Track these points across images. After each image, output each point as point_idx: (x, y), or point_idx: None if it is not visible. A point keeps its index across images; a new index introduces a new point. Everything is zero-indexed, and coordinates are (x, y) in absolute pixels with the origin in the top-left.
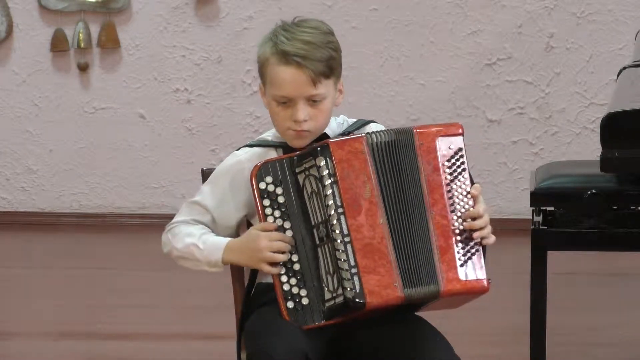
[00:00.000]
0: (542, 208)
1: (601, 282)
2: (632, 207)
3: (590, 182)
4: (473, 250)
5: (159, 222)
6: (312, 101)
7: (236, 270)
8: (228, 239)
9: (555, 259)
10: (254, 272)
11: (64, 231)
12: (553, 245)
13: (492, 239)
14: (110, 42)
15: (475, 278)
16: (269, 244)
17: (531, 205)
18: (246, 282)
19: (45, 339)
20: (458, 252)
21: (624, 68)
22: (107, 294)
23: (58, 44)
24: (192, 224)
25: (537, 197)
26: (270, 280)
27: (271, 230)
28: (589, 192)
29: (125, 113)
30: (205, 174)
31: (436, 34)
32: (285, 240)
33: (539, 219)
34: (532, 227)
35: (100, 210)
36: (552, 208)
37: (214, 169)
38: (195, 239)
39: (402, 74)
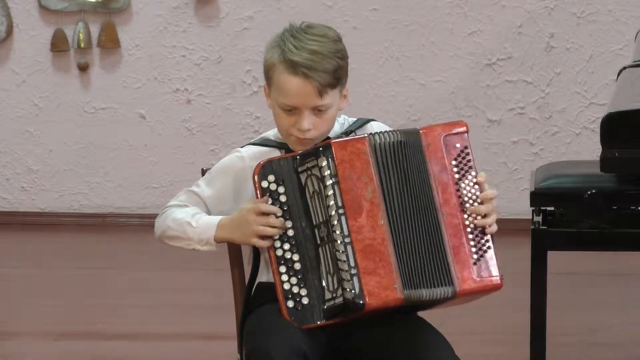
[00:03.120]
0: (542, 208)
1: (601, 282)
2: (632, 207)
3: (590, 182)
4: (485, 248)
5: None
6: (318, 110)
7: (236, 270)
8: (220, 217)
9: (555, 259)
10: (254, 272)
11: (64, 231)
12: (553, 245)
13: (494, 227)
14: (110, 42)
15: (488, 276)
16: (258, 217)
17: (531, 205)
18: (246, 281)
19: (45, 339)
20: (471, 251)
21: (624, 68)
22: (107, 294)
23: (58, 44)
24: (185, 207)
25: (537, 197)
26: (271, 279)
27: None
28: (589, 192)
29: (125, 113)
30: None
31: (436, 34)
32: (274, 213)
33: (539, 219)
34: (532, 227)
35: (100, 210)
36: (552, 208)
37: None
38: (189, 218)
39: (402, 74)
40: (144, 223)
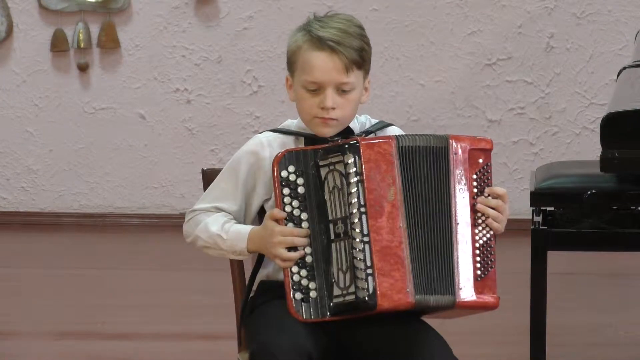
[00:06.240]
0: (542, 208)
1: (601, 282)
2: (632, 207)
3: (590, 182)
4: (489, 266)
5: (159, 222)
6: (342, 90)
7: (236, 270)
8: (250, 227)
9: (555, 259)
10: (256, 269)
11: (64, 231)
12: (553, 245)
13: (497, 225)
14: (110, 42)
15: (489, 294)
16: (282, 239)
17: (531, 205)
18: (247, 280)
19: (45, 339)
20: (476, 266)
21: (624, 68)
22: (107, 294)
23: (58, 44)
24: (212, 212)
25: (537, 197)
26: (272, 278)
27: (280, 219)
28: (589, 192)
29: (125, 113)
30: (206, 174)
31: (436, 34)
32: (299, 235)
33: (539, 219)
34: (532, 227)
35: (100, 210)
36: (552, 208)
37: (214, 169)
38: (218, 229)
39: (402, 74)
40: (144, 223)
